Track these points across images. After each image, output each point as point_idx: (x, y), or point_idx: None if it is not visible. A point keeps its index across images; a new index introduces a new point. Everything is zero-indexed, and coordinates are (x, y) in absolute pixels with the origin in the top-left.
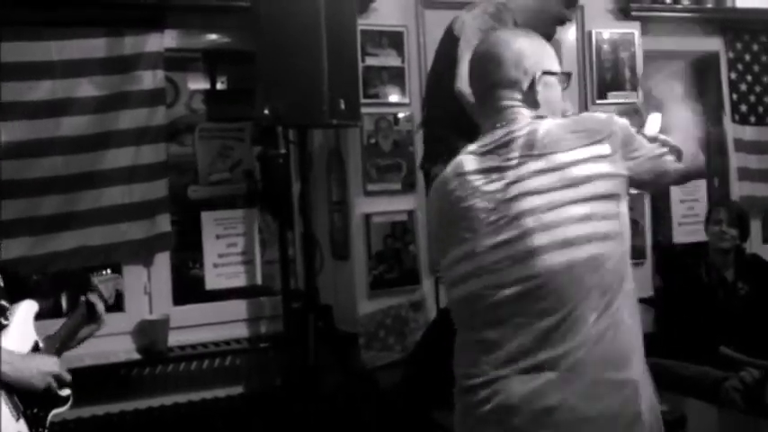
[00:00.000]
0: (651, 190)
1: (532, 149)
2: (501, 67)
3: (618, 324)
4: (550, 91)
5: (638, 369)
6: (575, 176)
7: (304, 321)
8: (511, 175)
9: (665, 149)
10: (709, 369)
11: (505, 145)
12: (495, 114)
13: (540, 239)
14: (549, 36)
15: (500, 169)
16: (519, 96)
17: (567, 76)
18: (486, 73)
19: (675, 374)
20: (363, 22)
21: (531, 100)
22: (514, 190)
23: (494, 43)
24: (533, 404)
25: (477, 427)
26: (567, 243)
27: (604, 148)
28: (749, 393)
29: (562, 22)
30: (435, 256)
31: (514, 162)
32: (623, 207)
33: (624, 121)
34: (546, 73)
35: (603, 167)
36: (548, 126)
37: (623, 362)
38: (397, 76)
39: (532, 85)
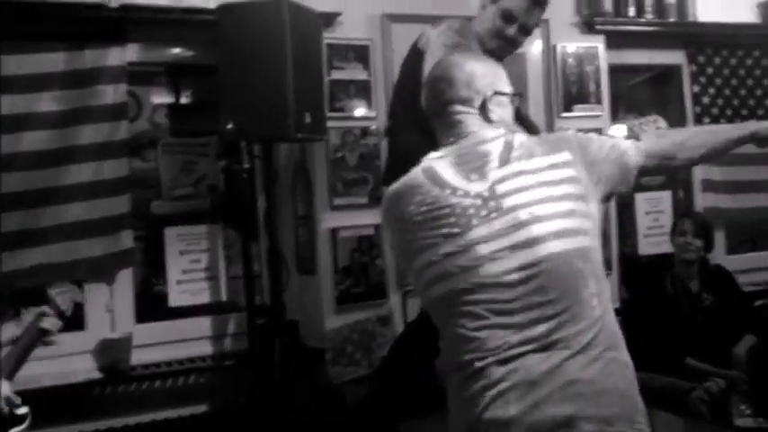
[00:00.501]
0: (623, 176)
1: (511, 154)
2: (453, 87)
3: (608, 309)
4: (503, 110)
5: (628, 355)
6: (551, 178)
7: (269, 338)
8: (494, 175)
9: (616, 138)
10: (676, 380)
11: (481, 151)
12: (452, 128)
13: (536, 230)
14: (501, 57)
15: (480, 171)
16: (474, 111)
17: (517, 96)
18: (439, 92)
19: (642, 386)
20: (329, 36)
21: (484, 117)
22: (501, 188)
23: (446, 66)
24: (555, 378)
25: (493, 407)
26: (560, 234)
27: (566, 155)
28: (715, 404)
29: (513, 43)
30: (401, 264)
31: (495, 165)
32: (592, 207)
33: (573, 130)
34: (497, 93)
35: (569, 172)
36: (521, 138)
37: (620, 344)
38: (363, 90)
39: (484, 103)
